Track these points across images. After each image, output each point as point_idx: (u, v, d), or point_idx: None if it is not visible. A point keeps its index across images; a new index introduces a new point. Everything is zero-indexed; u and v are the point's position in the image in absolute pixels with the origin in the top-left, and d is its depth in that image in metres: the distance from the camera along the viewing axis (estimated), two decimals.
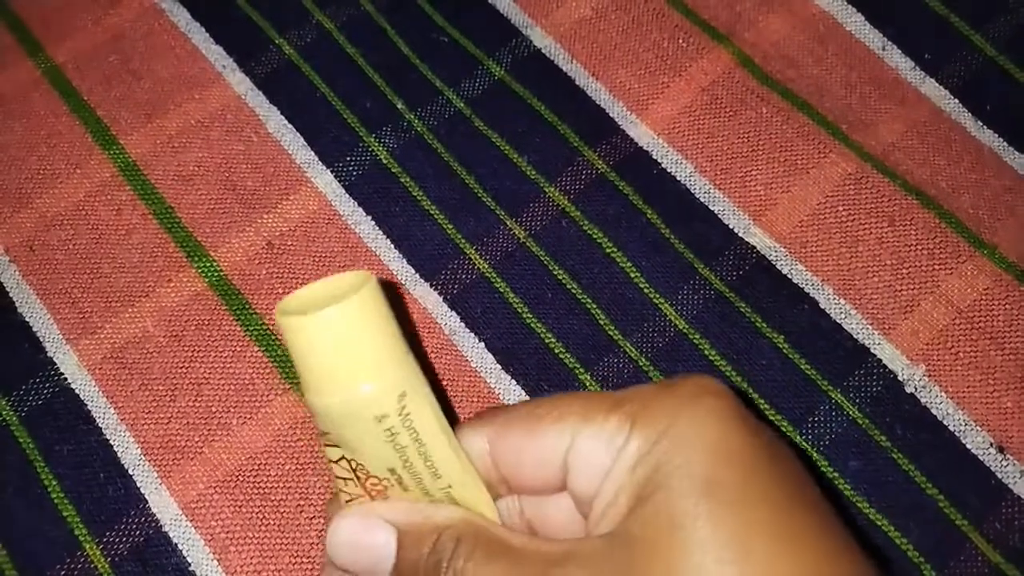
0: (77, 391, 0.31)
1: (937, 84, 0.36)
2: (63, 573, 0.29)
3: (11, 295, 0.33)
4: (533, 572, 0.21)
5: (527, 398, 0.31)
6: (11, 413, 0.31)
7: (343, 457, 0.24)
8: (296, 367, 0.23)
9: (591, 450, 0.21)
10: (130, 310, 0.33)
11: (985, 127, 0.36)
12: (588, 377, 0.31)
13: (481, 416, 0.24)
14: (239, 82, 0.37)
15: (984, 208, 0.34)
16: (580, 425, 0.22)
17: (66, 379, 0.32)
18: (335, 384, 0.22)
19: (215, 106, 0.36)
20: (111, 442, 0.31)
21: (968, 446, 0.31)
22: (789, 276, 0.33)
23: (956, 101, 0.36)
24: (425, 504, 0.23)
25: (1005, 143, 0.35)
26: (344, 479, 0.24)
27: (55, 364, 0.32)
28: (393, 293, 0.33)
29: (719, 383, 0.22)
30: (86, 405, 0.31)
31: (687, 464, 0.20)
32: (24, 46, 0.37)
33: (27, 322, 0.33)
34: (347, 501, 0.24)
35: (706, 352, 0.32)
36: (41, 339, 0.32)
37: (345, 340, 0.22)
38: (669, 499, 0.20)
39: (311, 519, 0.30)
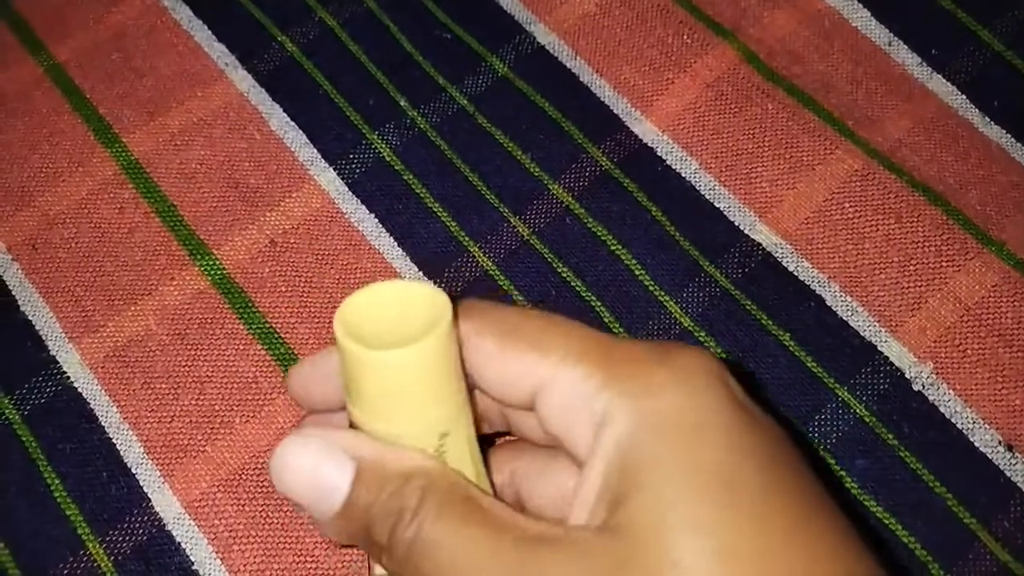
0: (80, 390, 0.31)
1: (944, 80, 0.36)
2: (66, 572, 0.29)
3: (14, 293, 0.33)
4: (505, 546, 0.19)
5: None
6: (13, 412, 0.31)
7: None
8: (345, 379, 0.21)
9: (566, 401, 0.20)
10: (133, 308, 0.33)
11: (993, 123, 0.35)
12: None
13: (472, 308, 0.21)
14: (241, 79, 0.36)
15: (992, 204, 0.34)
16: (558, 368, 0.20)
17: (68, 378, 0.32)
18: (382, 412, 0.21)
19: (217, 104, 0.36)
20: (114, 441, 0.31)
21: (976, 444, 0.30)
22: (795, 273, 0.33)
23: (963, 97, 0.36)
24: (399, 447, 0.21)
25: (1013, 139, 0.35)
26: None
27: (57, 363, 0.32)
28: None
29: (714, 359, 0.20)
30: (89, 404, 0.31)
31: (676, 454, 0.18)
32: (26, 45, 0.37)
33: (30, 320, 0.32)
34: None
35: (712, 350, 0.32)
36: (44, 337, 0.32)
37: (405, 380, 0.20)
38: (657, 495, 0.18)
39: None
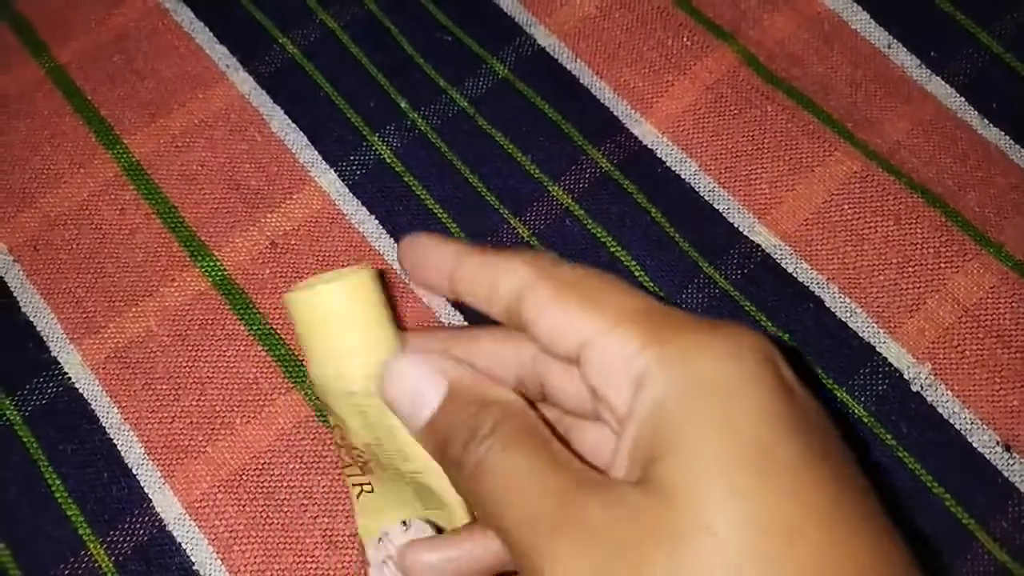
0: (81, 390, 0.31)
1: (943, 82, 0.36)
2: (67, 572, 0.29)
3: (15, 294, 0.33)
4: (559, 486, 0.19)
5: None
6: (15, 413, 0.31)
7: (336, 425, 0.26)
8: (301, 338, 0.26)
9: (608, 359, 0.20)
10: (134, 309, 0.33)
11: (991, 125, 0.35)
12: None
13: (534, 259, 0.22)
14: (243, 81, 0.37)
15: (990, 206, 0.34)
16: (605, 326, 0.20)
17: (70, 378, 0.32)
18: (319, 356, 0.25)
19: (219, 105, 0.36)
20: (115, 441, 0.31)
21: (975, 444, 0.30)
22: (794, 275, 0.33)
23: (962, 99, 0.36)
24: (488, 379, 0.23)
25: (1011, 141, 0.35)
26: (339, 446, 0.27)
27: (59, 363, 0.32)
28: (388, 284, 0.33)
29: (763, 337, 0.20)
30: (90, 404, 0.31)
31: (714, 418, 0.19)
32: (28, 46, 0.37)
33: (31, 321, 0.33)
34: (344, 468, 0.27)
35: None
36: (45, 338, 0.32)
37: (331, 318, 0.24)
38: (693, 456, 0.18)
39: (315, 518, 0.30)
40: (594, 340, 0.21)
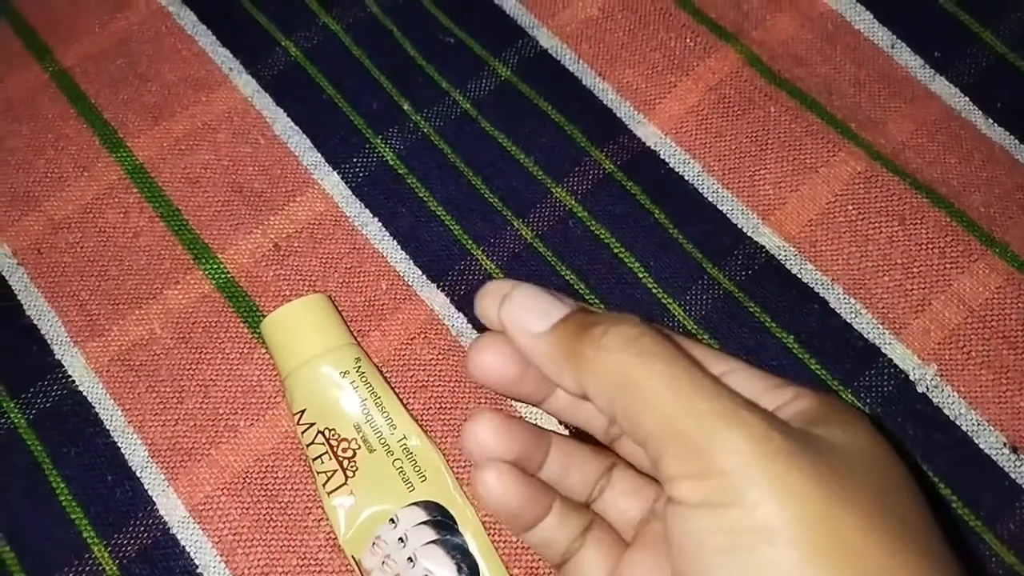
0: (84, 393, 0.31)
1: (947, 82, 0.36)
2: (71, 575, 0.29)
3: (19, 297, 0.33)
4: (718, 387, 0.21)
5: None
6: (19, 416, 0.31)
7: (318, 432, 0.29)
8: (277, 361, 0.30)
9: (749, 385, 0.23)
10: (137, 312, 0.33)
11: (996, 125, 0.35)
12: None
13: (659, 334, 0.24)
14: (246, 84, 0.37)
15: (995, 206, 0.34)
16: (741, 368, 0.24)
17: (74, 381, 0.32)
18: (309, 351, 0.30)
19: (222, 108, 0.36)
20: (119, 444, 0.31)
21: (981, 446, 0.30)
22: (799, 276, 0.33)
23: (966, 99, 0.36)
24: None
25: (1016, 141, 0.35)
26: (319, 457, 0.29)
27: (63, 366, 0.32)
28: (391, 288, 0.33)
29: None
30: (93, 407, 0.31)
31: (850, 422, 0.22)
32: (32, 50, 0.37)
33: (35, 324, 0.33)
34: (324, 484, 0.29)
35: None
36: (49, 341, 0.32)
37: (311, 321, 0.30)
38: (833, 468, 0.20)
39: (319, 521, 0.30)
40: (738, 371, 0.24)
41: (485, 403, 0.31)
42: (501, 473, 0.25)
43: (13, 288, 0.33)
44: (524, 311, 0.24)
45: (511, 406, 0.31)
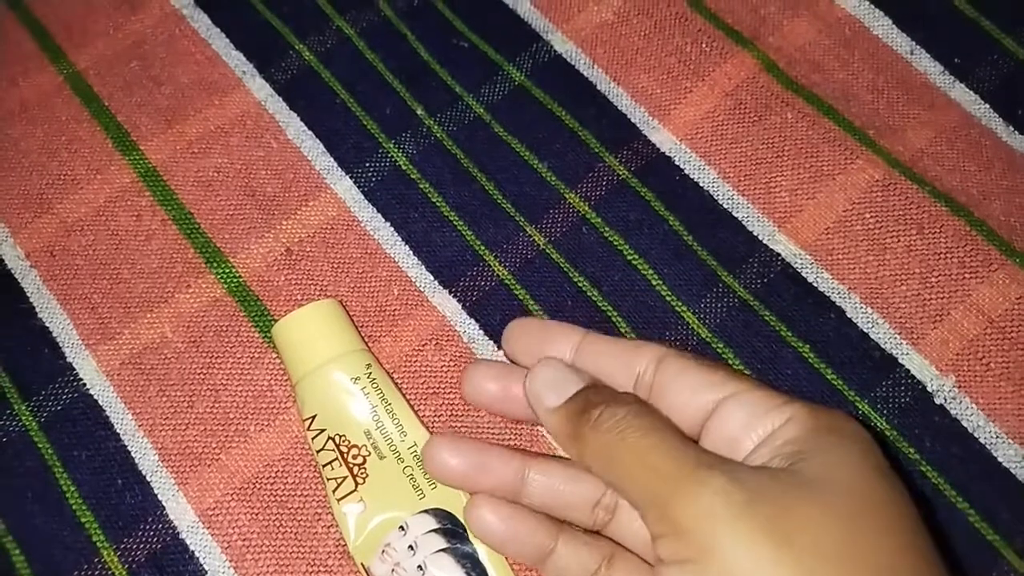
0: (96, 397, 0.31)
1: (967, 89, 0.36)
2: None
3: (32, 300, 0.33)
4: (696, 450, 0.23)
5: None
6: (31, 418, 0.31)
7: (328, 438, 0.29)
8: (288, 367, 0.30)
9: (753, 407, 0.24)
10: (149, 316, 0.33)
11: (1016, 132, 0.35)
12: None
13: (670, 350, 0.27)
14: (259, 88, 0.37)
15: (1016, 215, 0.33)
16: (748, 389, 0.25)
17: (85, 384, 0.32)
18: (320, 357, 0.30)
19: (235, 112, 0.36)
20: (129, 448, 0.31)
21: (999, 459, 0.30)
22: (815, 284, 0.32)
23: (986, 106, 0.35)
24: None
25: None
26: (330, 464, 0.29)
27: (74, 369, 0.32)
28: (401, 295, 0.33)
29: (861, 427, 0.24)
30: (104, 411, 0.31)
31: (843, 456, 0.23)
32: (46, 52, 0.38)
33: (47, 327, 0.33)
34: (334, 491, 0.29)
35: (730, 361, 0.31)
36: (61, 344, 0.32)
37: (323, 327, 0.30)
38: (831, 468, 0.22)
39: (328, 527, 0.29)
40: (741, 395, 0.25)
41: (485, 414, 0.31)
42: (496, 507, 0.27)
43: (26, 290, 0.33)
44: (542, 386, 0.27)
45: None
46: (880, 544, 0.21)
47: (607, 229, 0.34)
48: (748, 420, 0.24)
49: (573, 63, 0.37)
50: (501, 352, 0.32)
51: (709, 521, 0.21)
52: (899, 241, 0.33)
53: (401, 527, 0.28)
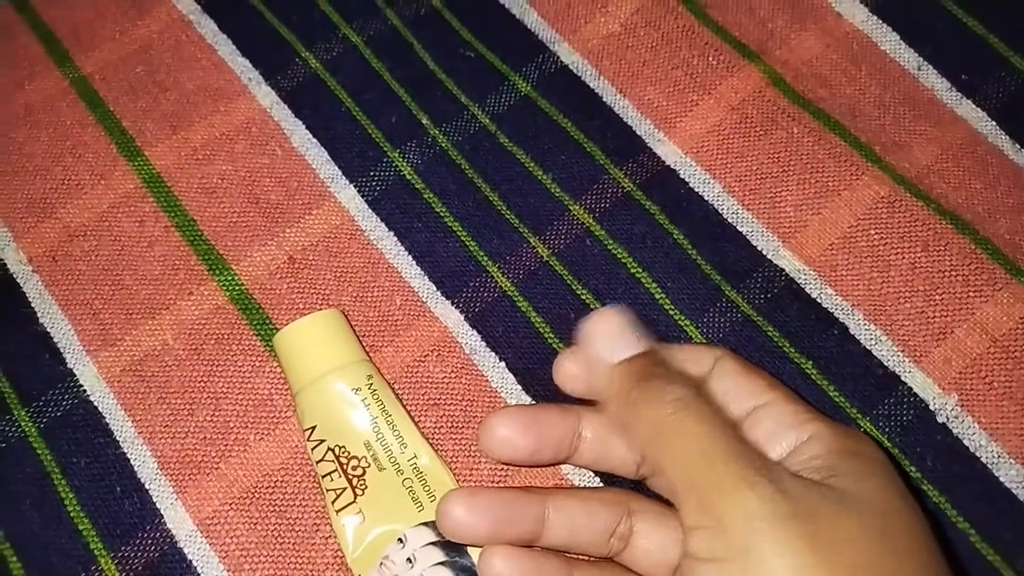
0: (96, 403, 0.31)
1: (974, 105, 0.36)
2: None
3: (33, 305, 0.33)
4: (746, 445, 0.23)
5: None
6: (30, 424, 0.31)
7: (328, 449, 0.29)
8: (288, 376, 0.30)
9: (783, 419, 0.25)
10: (150, 322, 0.33)
11: (1023, 150, 0.35)
12: None
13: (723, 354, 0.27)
14: (264, 95, 0.36)
15: (1022, 234, 0.33)
16: (782, 399, 0.25)
17: (85, 391, 0.32)
18: (321, 367, 0.29)
19: (240, 119, 0.36)
20: (128, 456, 0.31)
21: (1002, 479, 0.30)
22: (819, 300, 0.32)
23: (993, 123, 0.35)
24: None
25: None
26: (329, 475, 0.29)
27: (75, 375, 0.32)
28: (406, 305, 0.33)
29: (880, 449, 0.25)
30: (104, 418, 0.31)
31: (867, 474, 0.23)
32: (52, 56, 0.38)
33: (48, 333, 0.33)
34: (333, 502, 0.28)
35: None
36: (62, 350, 0.32)
37: (324, 337, 0.30)
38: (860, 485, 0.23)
39: (327, 538, 0.29)
40: (771, 405, 0.25)
41: None
42: (509, 557, 0.26)
43: (27, 295, 0.33)
44: (603, 338, 0.26)
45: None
46: (906, 566, 0.22)
47: (611, 242, 0.34)
48: (773, 430, 0.25)
49: (579, 74, 0.37)
50: (503, 363, 0.32)
51: (753, 523, 0.21)
52: (904, 258, 0.33)
53: (400, 539, 0.28)
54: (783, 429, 0.25)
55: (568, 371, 0.28)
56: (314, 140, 0.36)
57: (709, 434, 0.23)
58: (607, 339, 0.26)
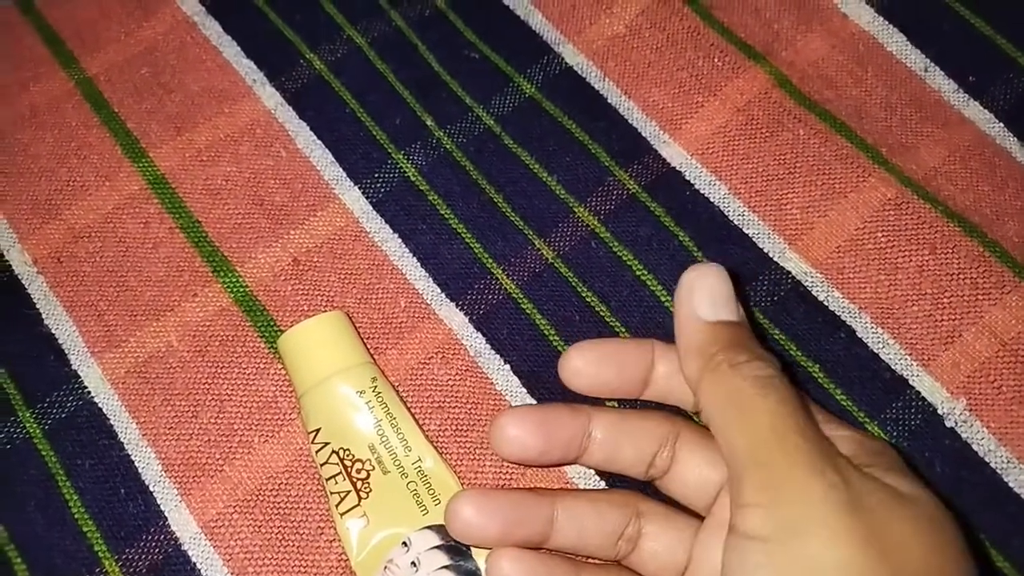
0: (100, 405, 0.31)
1: (981, 107, 0.35)
2: None
3: (38, 306, 0.33)
4: (820, 432, 0.23)
5: None
6: (35, 425, 0.31)
7: (332, 452, 0.29)
8: (293, 379, 0.30)
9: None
10: (155, 324, 0.33)
11: None
12: (615, 403, 0.31)
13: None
14: (269, 97, 0.36)
15: None
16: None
17: (90, 393, 0.32)
18: (325, 369, 0.29)
19: (245, 120, 0.36)
20: (132, 458, 0.31)
21: (1011, 484, 0.29)
22: (825, 303, 0.32)
23: (1001, 125, 0.35)
24: None
25: None
26: (333, 477, 0.29)
27: (79, 377, 0.32)
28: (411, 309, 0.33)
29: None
30: (109, 419, 0.31)
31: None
32: (58, 58, 0.38)
33: (53, 334, 0.33)
34: (337, 505, 0.28)
35: None
36: (66, 351, 0.32)
37: (329, 339, 0.30)
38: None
39: (331, 541, 0.29)
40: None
41: None
42: (517, 559, 0.26)
43: (32, 296, 0.33)
44: (703, 294, 0.26)
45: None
46: (949, 572, 0.22)
47: (616, 244, 0.33)
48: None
49: (584, 76, 0.37)
50: (507, 366, 0.32)
51: (813, 507, 0.21)
52: (911, 261, 0.32)
53: (404, 543, 0.28)
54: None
55: (575, 367, 0.28)
56: (318, 142, 0.36)
57: (786, 415, 0.23)
58: (710, 296, 0.26)
